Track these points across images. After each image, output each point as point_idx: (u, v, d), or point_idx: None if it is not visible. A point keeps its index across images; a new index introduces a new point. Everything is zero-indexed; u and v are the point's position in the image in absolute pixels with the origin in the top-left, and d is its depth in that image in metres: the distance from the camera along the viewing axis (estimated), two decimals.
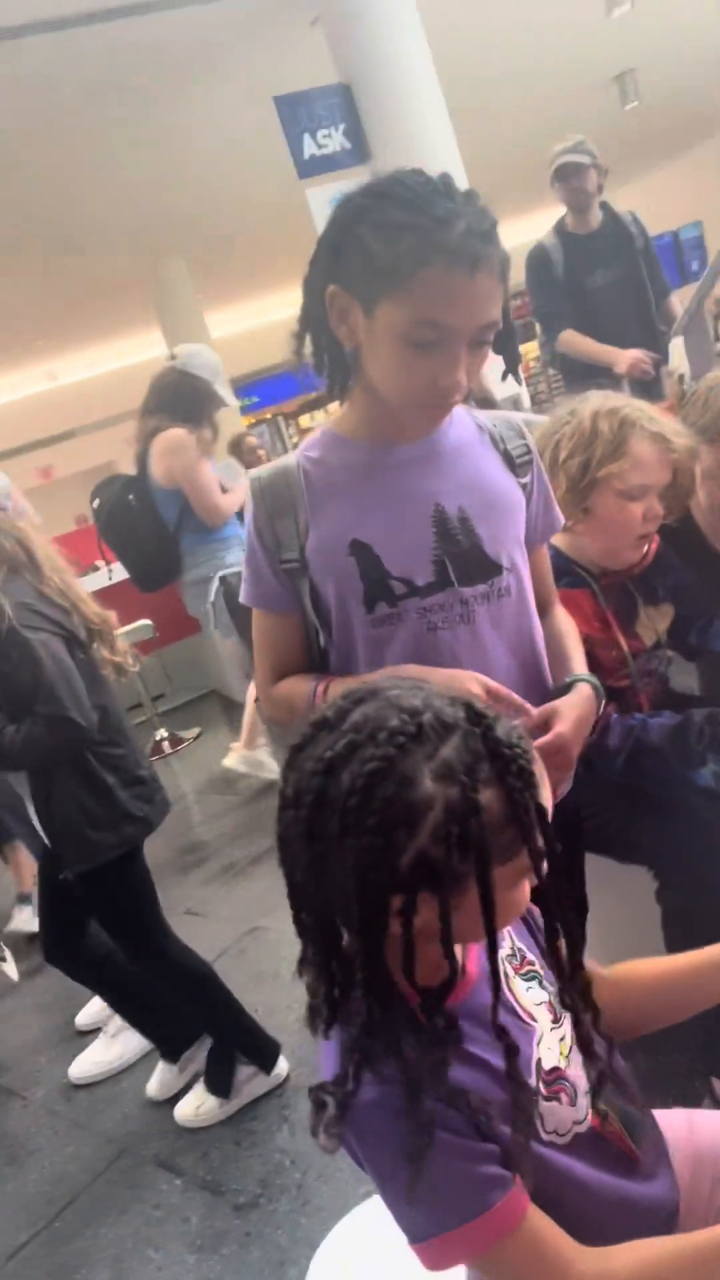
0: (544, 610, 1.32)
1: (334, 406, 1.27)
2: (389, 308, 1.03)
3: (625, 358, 3.43)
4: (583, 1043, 0.83)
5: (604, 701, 1.28)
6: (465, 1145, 0.73)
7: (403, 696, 0.72)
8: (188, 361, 3.14)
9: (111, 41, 4.76)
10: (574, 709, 1.19)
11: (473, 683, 1.07)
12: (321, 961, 0.75)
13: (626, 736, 1.47)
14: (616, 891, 1.59)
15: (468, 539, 1.16)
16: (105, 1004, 2.32)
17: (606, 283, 3.65)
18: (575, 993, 0.82)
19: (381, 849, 0.67)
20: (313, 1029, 0.77)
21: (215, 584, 3.21)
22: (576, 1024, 0.83)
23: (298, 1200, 1.75)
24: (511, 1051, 0.77)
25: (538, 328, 3.87)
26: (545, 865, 0.73)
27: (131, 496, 3.21)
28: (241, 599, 1.25)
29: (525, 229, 5.25)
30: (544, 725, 1.16)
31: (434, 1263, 0.74)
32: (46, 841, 1.85)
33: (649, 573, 1.65)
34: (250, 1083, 2.02)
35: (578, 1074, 0.84)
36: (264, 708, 1.28)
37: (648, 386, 3.67)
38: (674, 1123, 0.99)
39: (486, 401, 4.17)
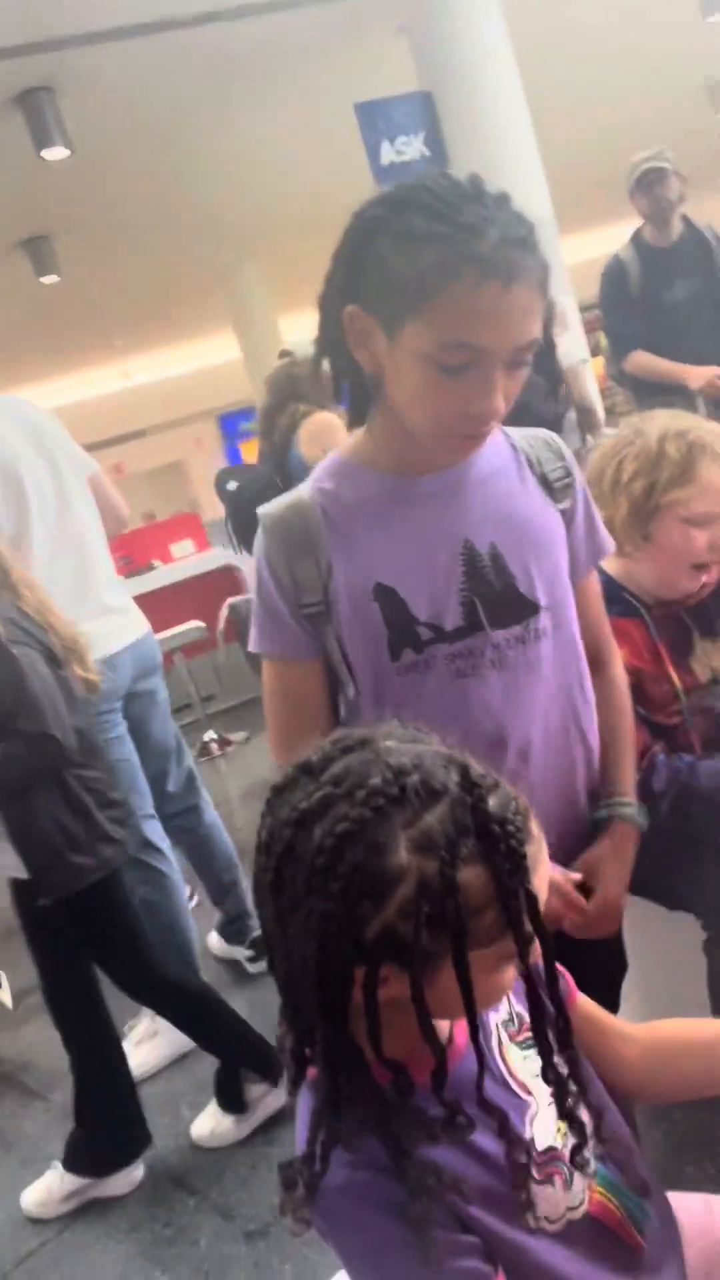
0: (597, 655, 1.21)
1: None
2: (414, 329, 0.93)
3: (700, 374, 3.32)
4: (566, 1114, 0.75)
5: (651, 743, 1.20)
6: (439, 1238, 0.66)
7: (394, 751, 0.67)
8: (308, 352, 3.13)
9: (200, 47, 4.81)
10: (617, 863, 1.12)
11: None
12: (290, 1016, 0.69)
13: (672, 781, 1.39)
14: (661, 941, 1.50)
15: (500, 578, 1.06)
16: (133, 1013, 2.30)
17: (684, 297, 3.54)
18: (565, 1063, 0.74)
19: (344, 917, 0.61)
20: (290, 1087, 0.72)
21: None
22: (562, 1096, 0.74)
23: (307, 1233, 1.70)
24: (501, 1120, 0.70)
25: (602, 342, 3.78)
26: (536, 951, 0.67)
27: (279, 479, 3.17)
28: (254, 648, 1.14)
29: (606, 239, 5.13)
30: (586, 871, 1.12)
31: None
32: (24, 870, 1.77)
33: (707, 604, 1.56)
34: (264, 1100, 1.97)
35: (566, 1150, 0.77)
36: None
37: None
38: (691, 1207, 0.91)
39: (590, 413, 4.12)
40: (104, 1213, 1.90)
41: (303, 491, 1.11)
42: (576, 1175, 0.76)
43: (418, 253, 0.90)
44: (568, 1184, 0.75)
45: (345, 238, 0.97)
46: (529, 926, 0.65)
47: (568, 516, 1.14)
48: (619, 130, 6.86)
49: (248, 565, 3.78)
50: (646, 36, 6.47)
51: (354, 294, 0.97)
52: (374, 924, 0.62)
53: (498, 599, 1.06)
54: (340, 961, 0.62)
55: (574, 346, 4.88)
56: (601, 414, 4.58)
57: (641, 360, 3.52)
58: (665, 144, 3.51)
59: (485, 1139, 0.71)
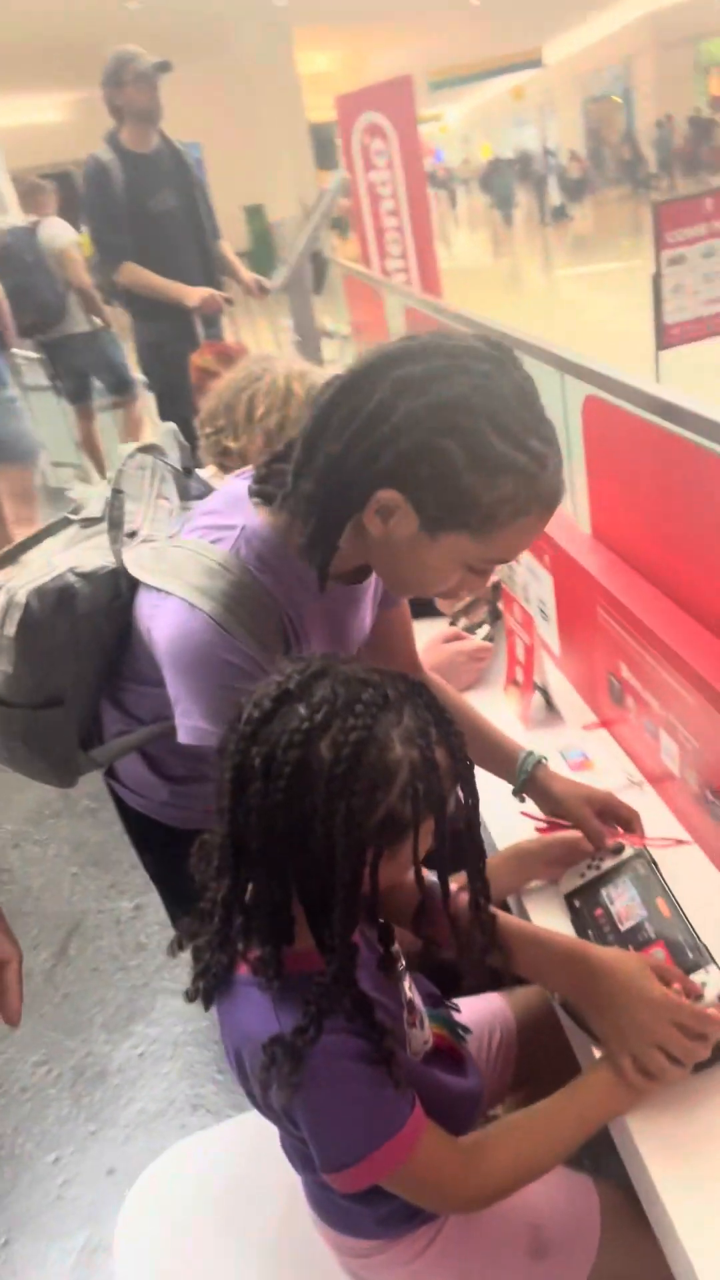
0: (415, 667, 1.36)
1: None
2: (463, 540, 0.92)
3: (197, 293, 3.41)
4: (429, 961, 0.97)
5: None
6: (378, 1072, 0.82)
7: (354, 669, 0.79)
8: None
9: None
10: (569, 785, 1.24)
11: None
12: (267, 924, 0.80)
13: None
14: None
15: None
16: None
17: (168, 209, 3.53)
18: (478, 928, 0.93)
19: (363, 808, 0.74)
20: (264, 983, 0.81)
21: None
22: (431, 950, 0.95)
23: None
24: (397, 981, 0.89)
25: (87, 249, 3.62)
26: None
27: None
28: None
29: (27, 109, 4.83)
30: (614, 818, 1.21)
31: (354, 1184, 0.83)
32: None
33: None
34: None
35: (419, 1002, 0.98)
36: None
37: (212, 320, 3.74)
38: (476, 1005, 1.21)
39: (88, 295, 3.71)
40: None
41: (246, 576, 1.01)
42: (425, 1019, 0.97)
43: (495, 482, 0.88)
44: (421, 1026, 0.96)
45: (409, 422, 0.87)
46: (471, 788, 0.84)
47: None
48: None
49: None
50: None
51: (402, 483, 0.90)
52: (380, 810, 0.75)
53: None
54: (360, 846, 0.74)
55: (59, 229, 4.64)
56: (99, 295, 4.48)
57: (135, 273, 3.46)
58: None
59: (384, 997, 0.88)
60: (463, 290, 11.31)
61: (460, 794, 0.84)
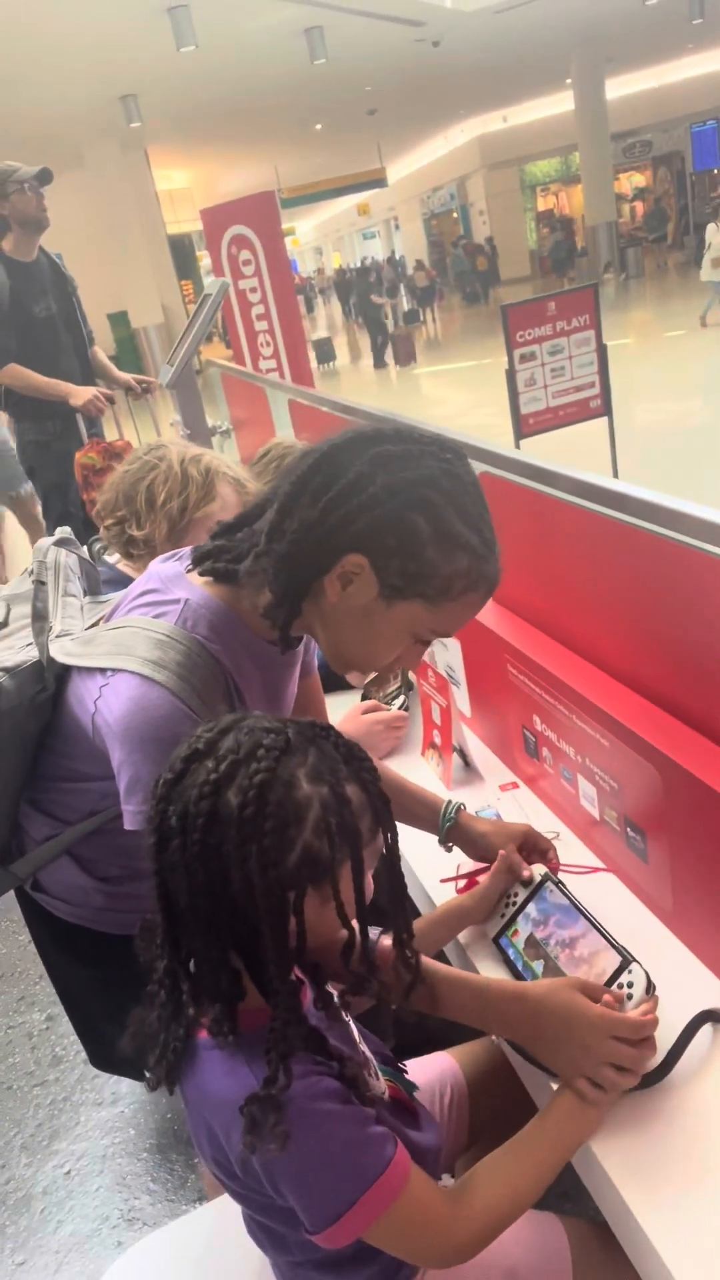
0: None
1: None
2: (417, 610, 0.99)
3: (81, 393, 3.49)
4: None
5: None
6: (355, 1110, 0.83)
7: (261, 720, 0.83)
8: None
9: None
10: (492, 826, 1.29)
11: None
12: (212, 983, 0.80)
13: None
14: None
15: None
16: None
17: (49, 315, 3.63)
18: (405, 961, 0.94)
19: (277, 848, 0.76)
20: (222, 1040, 0.81)
21: None
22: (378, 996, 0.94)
23: None
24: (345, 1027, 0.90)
25: None
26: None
27: None
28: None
29: None
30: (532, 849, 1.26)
31: (348, 1233, 0.82)
32: None
33: None
34: None
35: (369, 1052, 1.00)
36: None
37: (93, 420, 3.80)
38: (426, 1065, 1.23)
39: None
40: None
41: (197, 646, 1.05)
42: (379, 1071, 0.99)
43: (453, 557, 0.96)
44: (376, 1076, 0.97)
45: (387, 493, 0.94)
46: (390, 821, 0.86)
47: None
48: None
49: None
50: None
51: (370, 550, 0.96)
52: (296, 848, 0.77)
53: None
54: (280, 889, 0.76)
55: None
56: None
57: (20, 374, 3.51)
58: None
59: (340, 1043, 0.89)
60: (330, 387, 11.80)
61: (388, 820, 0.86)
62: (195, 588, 1.09)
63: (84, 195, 14.25)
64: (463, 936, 1.23)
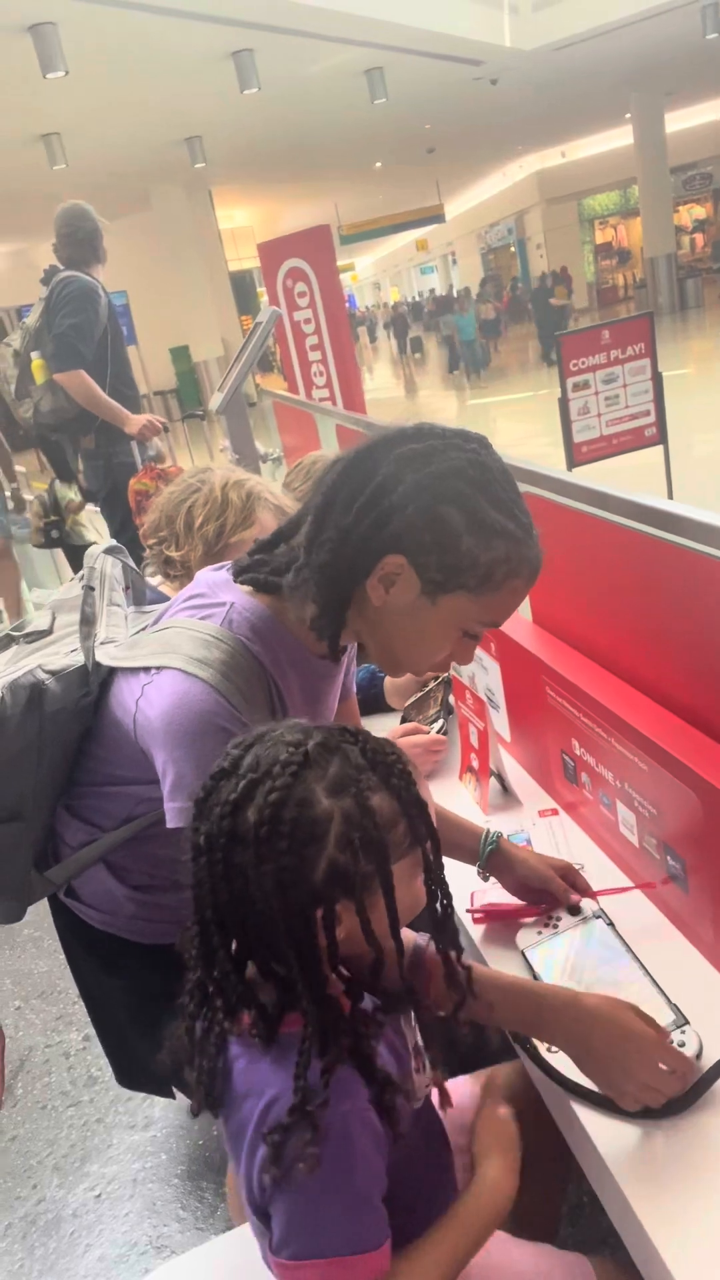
0: None
1: None
2: (462, 602, 0.99)
3: (137, 420, 3.56)
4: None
5: None
6: (380, 1166, 0.78)
7: (285, 734, 0.81)
8: None
9: None
10: (528, 855, 1.26)
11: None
12: (246, 993, 0.79)
13: None
14: None
15: None
16: None
17: (123, 345, 3.73)
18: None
19: (296, 867, 0.74)
20: (263, 1044, 0.79)
21: None
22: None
23: None
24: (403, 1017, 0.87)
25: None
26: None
27: None
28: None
29: None
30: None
31: (295, 1277, 0.76)
32: None
33: None
34: None
35: (420, 1042, 0.94)
36: None
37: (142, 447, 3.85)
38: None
39: None
40: None
41: (249, 659, 1.05)
42: (428, 1063, 0.94)
43: (490, 545, 0.96)
44: (423, 1071, 0.93)
45: (416, 490, 0.95)
46: (429, 828, 0.82)
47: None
48: None
49: None
50: None
51: (407, 549, 0.97)
52: (320, 865, 0.75)
53: None
54: (302, 907, 0.74)
55: None
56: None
57: (85, 382, 3.52)
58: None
59: (388, 1056, 0.85)
60: (384, 415, 11.87)
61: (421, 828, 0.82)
62: (240, 593, 1.10)
63: (150, 235, 14.68)
64: (482, 936, 1.23)
